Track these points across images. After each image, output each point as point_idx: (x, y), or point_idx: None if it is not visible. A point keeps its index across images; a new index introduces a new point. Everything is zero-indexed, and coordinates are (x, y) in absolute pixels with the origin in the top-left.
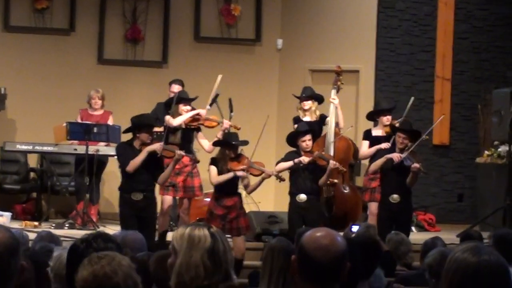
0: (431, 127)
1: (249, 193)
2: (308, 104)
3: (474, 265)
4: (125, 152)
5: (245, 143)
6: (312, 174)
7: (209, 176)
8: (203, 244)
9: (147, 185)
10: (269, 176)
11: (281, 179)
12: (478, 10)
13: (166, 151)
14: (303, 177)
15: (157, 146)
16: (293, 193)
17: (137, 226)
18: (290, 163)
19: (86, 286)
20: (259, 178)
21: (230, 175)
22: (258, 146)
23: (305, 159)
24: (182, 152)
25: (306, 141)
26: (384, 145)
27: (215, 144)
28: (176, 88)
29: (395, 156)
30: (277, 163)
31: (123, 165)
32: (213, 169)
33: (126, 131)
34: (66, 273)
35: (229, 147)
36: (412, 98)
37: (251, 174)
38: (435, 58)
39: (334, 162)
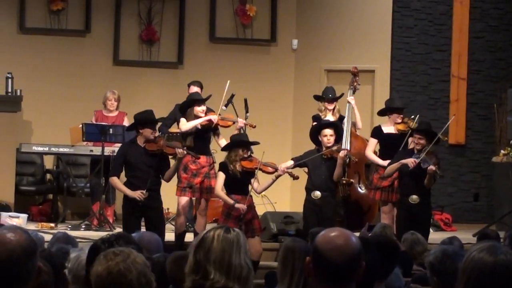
0: (444, 127)
1: (259, 192)
2: (333, 104)
3: (491, 265)
4: (119, 159)
5: (256, 143)
6: (329, 171)
7: (216, 182)
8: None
9: (151, 183)
10: (281, 174)
11: (295, 177)
12: (494, 9)
13: (168, 148)
14: (319, 173)
15: (137, 195)
16: (308, 189)
17: (140, 227)
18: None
19: (100, 281)
20: (271, 177)
21: (230, 201)
22: (273, 146)
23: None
24: (184, 150)
25: (328, 136)
26: (407, 161)
27: (225, 148)
28: (195, 89)
29: (410, 162)
30: (292, 159)
31: (110, 172)
32: (221, 177)
33: (130, 127)
34: (86, 273)
35: (241, 146)
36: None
37: (264, 171)
38: (450, 57)
39: (345, 152)
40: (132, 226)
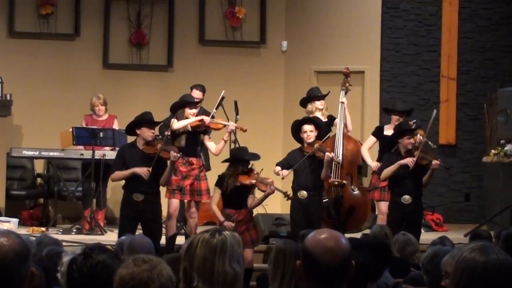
0: (427, 126)
1: (252, 208)
2: (323, 103)
3: (483, 265)
4: (119, 160)
5: (257, 157)
6: (314, 170)
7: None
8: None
9: (149, 186)
10: (271, 192)
11: (289, 198)
12: (483, 9)
13: (164, 152)
14: (305, 173)
15: (143, 171)
16: (294, 189)
17: (135, 230)
18: (286, 172)
19: (122, 285)
20: (263, 194)
21: (221, 218)
22: (264, 148)
23: (284, 172)
24: (178, 154)
25: (308, 132)
26: (406, 161)
27: (226, 161)
28: (196, 93)
29: (410, 161)
30: (277, 164)
31: (110, 171)
32: (217, 192)
33: (127, 129)
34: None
35: (240, 163)
36: (435, 111)
37: (259, 189)
38: (440, 58)
39: (330, 154)
40: (128, 229)
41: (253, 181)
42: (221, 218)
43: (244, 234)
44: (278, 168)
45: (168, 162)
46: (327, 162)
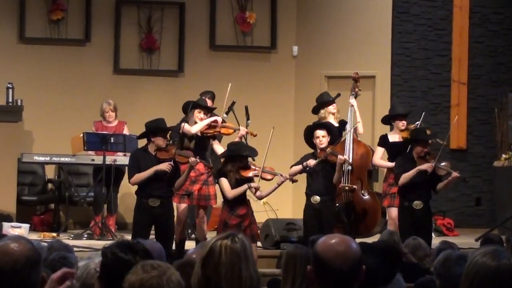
0: (448, 132)
1: (260, 199)
2: (335, 106)
3: (494, 269)
4: (135, 164)
5: (255, 153)
6: (327, 175)
7: (221, 189)
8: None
9: (164, 191)
10: (283, 180)
11: (293, 181)
12: (493, 14)
13: (180, 157)
14: (317, 178)
15: (166, 166)
16: (308, 194)
17: (149, 235)
18: (299, 167)
19: None
20: (273, 184)
21: (244, 187)
22: (276, 153)
23: (311, 161)
24: (197, 159)
25: (320, 137)
26: (425, 166)
27: (222, 156)
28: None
29: (429, 167)
30: (291, 166)
31: (129, 176)
32: (225, 182)
33: (141, 136)
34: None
35: (238, 158)
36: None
37: (263, 179)
38: (451, 62)
39: (343, 157)
40: (143, 234)
41: (256, 172)
42: (245, 187)
43: (248, 228)
44: (295, 167)
45: (186, 166)
46: (340, 165)
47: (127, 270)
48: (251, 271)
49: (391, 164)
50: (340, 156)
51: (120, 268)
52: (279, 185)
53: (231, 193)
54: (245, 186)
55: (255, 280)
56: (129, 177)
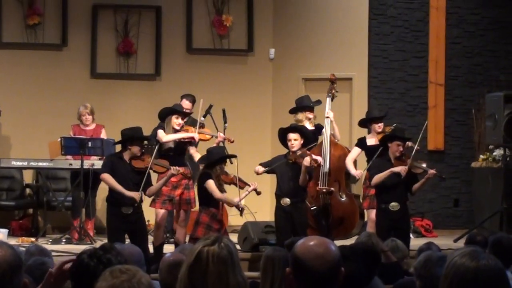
0: (419, 136)
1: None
2: (313, 114)
3: (473, 270)
4: (110, 165)
5: (233, 156)
6: (295, 176)
7: (209, 191)
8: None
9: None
10: (253, 188)
11: (258, 193)
12: (470, 15)
13: (158, 167)
14: (286, 179)
15: (137, 197)
16: (277, 195)
17: (124, 240)
18: (261, 169)
19: None
20: (244, 191)
21: (235, 201)
22: (253, 155)
23: (259, 169)
24: (179, 169)
25: (292, 140)
26: (399, 169)
27: (201, 161)
28: (186, 103)
29: (402, 170)
30: (260, 164)
31: (101, 171)
32: (213, 183)
33: (118, 142)
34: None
35: (218, 163)
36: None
37: (236, 185)
38: (428, 63)
39: (309, 158)
40: (118, 239)
41: (232, 178)
42: (235, 200)
43: (225, 234)
44: (259, 167)
45: (163, 176)
46: (305, 167)
47: (94, 277)
48: (238, 278)
49: (353, 172)
50: (306, 158)
51: (88, 276)
52: (249, 192)
53: (219, 196)
54: (236, 200)
55: (242, 285)
56: (101, 172)
